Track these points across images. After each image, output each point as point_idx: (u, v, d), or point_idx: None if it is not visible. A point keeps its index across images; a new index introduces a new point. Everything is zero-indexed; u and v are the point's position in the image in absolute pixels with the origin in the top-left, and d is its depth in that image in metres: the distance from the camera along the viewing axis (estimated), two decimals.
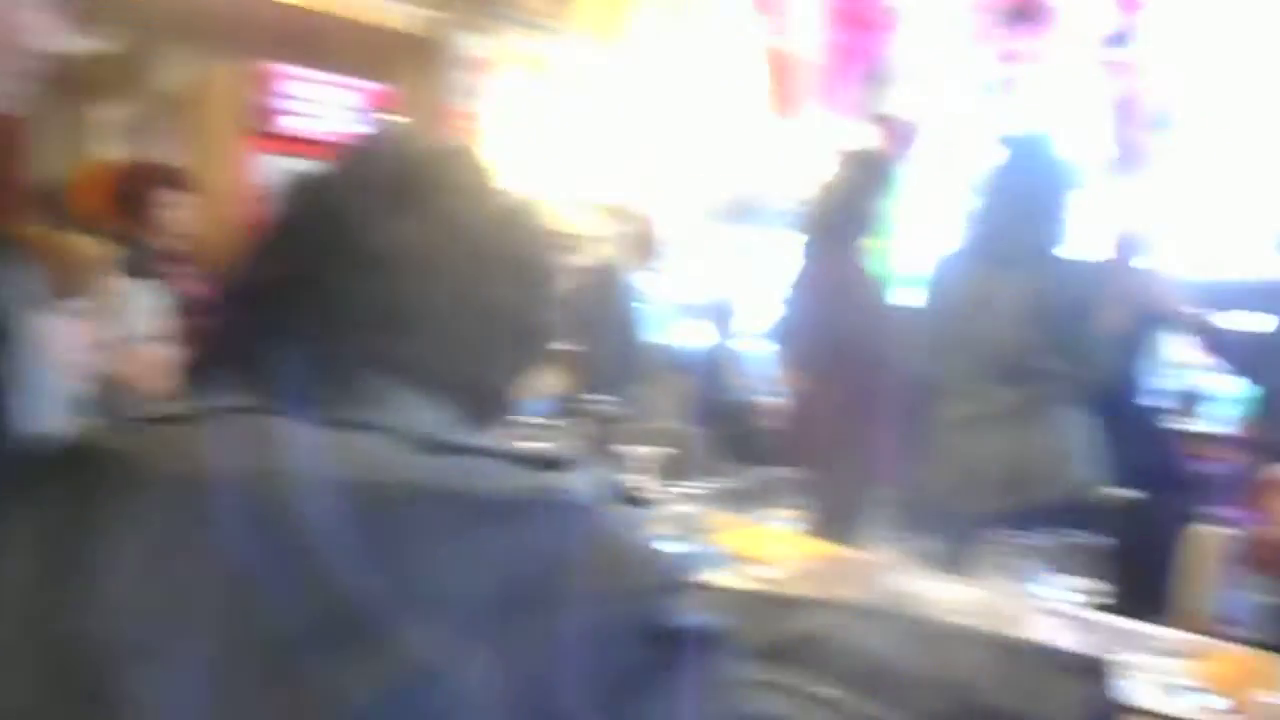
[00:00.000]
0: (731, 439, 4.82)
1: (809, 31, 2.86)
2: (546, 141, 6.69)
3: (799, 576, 1.46)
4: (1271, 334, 2.55)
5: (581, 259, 6.92)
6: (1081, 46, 2.77)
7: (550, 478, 0.65)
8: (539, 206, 0.85)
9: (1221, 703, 1.13)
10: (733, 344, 5.50)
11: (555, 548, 0.62)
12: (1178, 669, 1.21)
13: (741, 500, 1.80)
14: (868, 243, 2.80)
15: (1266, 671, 1.15)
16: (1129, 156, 2.98)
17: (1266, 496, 1.41)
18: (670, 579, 0.65)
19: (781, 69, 2.90)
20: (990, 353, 2.39)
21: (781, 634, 0.90)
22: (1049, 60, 2.81)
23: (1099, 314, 2.40)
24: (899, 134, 3.42)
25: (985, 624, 1.23)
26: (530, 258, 0.81)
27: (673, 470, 2.83)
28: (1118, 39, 2.68)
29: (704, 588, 0.85)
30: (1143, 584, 2.00)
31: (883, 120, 3.50)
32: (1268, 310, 2.56)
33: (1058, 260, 2.38)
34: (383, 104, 5.22)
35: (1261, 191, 4.80)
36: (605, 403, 3.64)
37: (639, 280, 4.63)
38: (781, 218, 7.42)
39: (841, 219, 2.73)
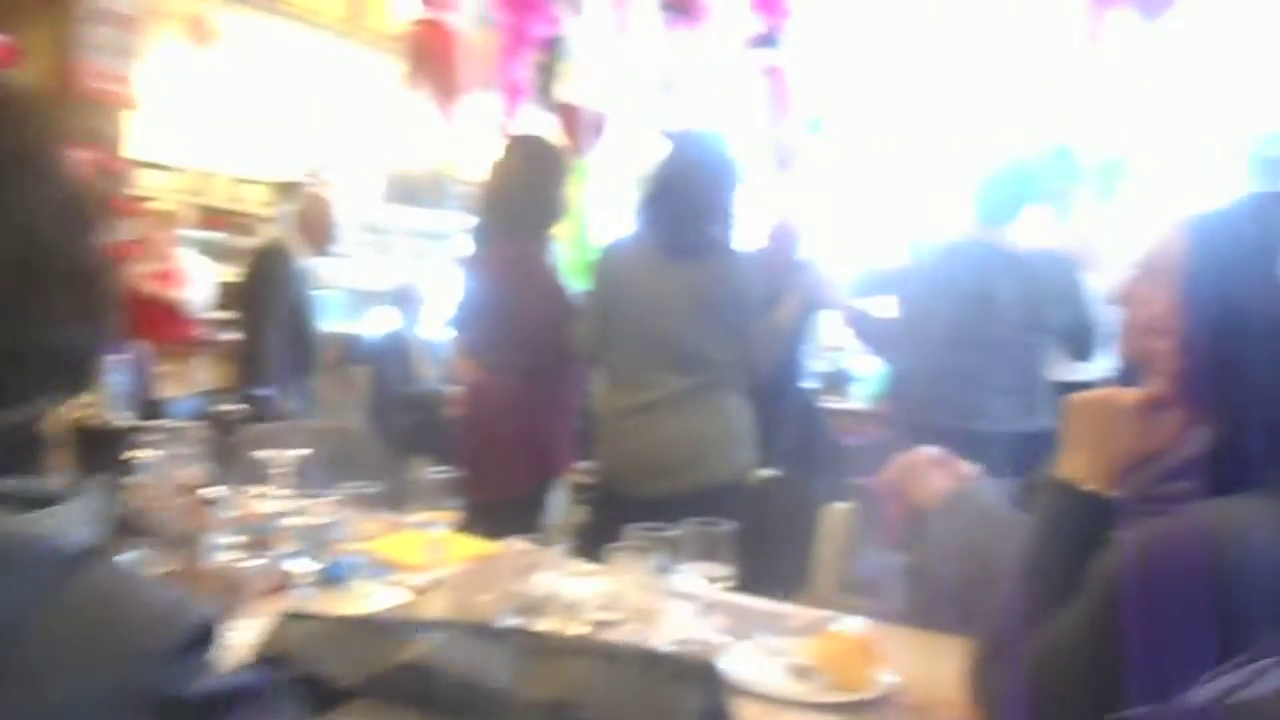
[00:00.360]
0: (415, 432, 4.68)
1: (472, 11, 2.76)
2: (209, 111, 6.13)
3: (443, 582, 1.38)
4: (896, 318, 2.80)
5: (248, 240, 6.43)
6: (734, 46, 2.89)
7: (27, 520, 0.52)
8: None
9: (831, 684, 1.18)
10: (419, 331, 5.32)
11: (18, 609, 0.49)
12: (800, 649, 1.26)
13: (403, 500, 1.68)
14: (544, 229, 2.75)
15: (882, 647, 1.22)
16: (783, 155, 3.15)
17: (893, 471, 1.52)
18: (184, 636, 0.53)
19: (445, 49, 2.78)
20: (660, 342, 2.44)
21: (379, 664, 0.81)
22: (706, 57, 2.90)
23: (765, 304, 2.52)
24: (580, 122, 3.41)
25: (622, 617, 1.22)
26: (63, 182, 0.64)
27: (338, 470, 2.66)
28: (765, 40, 2.82)
29: (295, 621, 0.74)
30: (789, 561, 2.12)
31: (563, 108, 3.48)
32: (898, 294, 2.82)
33: (725, 252, 2.47)
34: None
35: (900, 188, 5.39)
36: (266, 399, 3.37)
37: (312, 264, 4.31)
38: (459, 201, 7.35)
39: (515, 204, 2.65)
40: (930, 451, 1.54)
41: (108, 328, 0.66)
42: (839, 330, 3.24)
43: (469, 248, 2.84)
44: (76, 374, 0.65)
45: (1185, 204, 1.11)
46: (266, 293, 3.98)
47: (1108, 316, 2.45)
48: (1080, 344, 2.67)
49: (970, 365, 2.58)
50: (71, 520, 0.52)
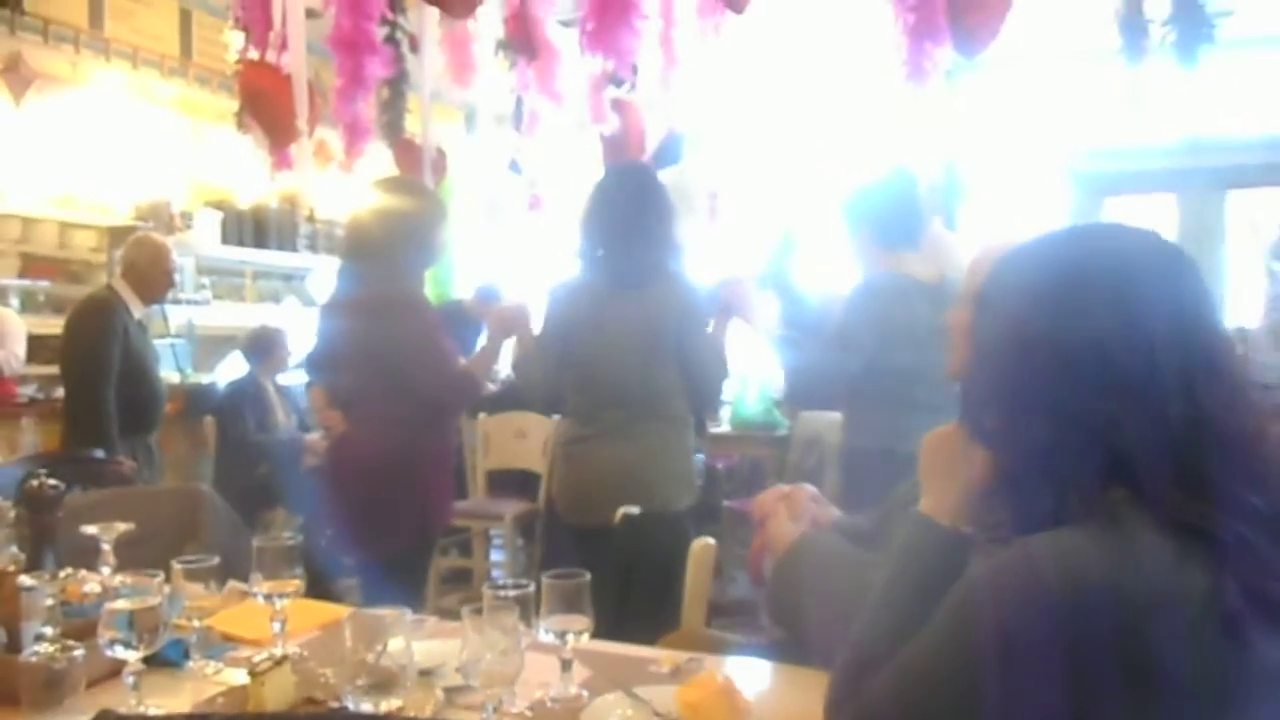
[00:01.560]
0: (267, 484, 4.47)
1: (300, 52, 2.67)
2: (34, 155, 5.76)
3: (288, 658, 1.30)
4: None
5: (78, 289, 6.05)
6: (581, 83, 2.91)
7: None
8: None
9: None
10: (271, 378, 5.09)
11: None
12: (664, 699, 1.24)
13: (246, 568, 1.57)
14: (420, 272, 2.65)
15: (745, 689, 1.22)
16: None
17: (760, 510, 1.52)
18: None
19: (277, 91, 2.69)
20: (605, 373, 2.45)
21: None
22: (555, 93, 2.90)
23: (710, 328, 2.54)
24: (420, 160, 3.35)
25: (479, 682, 1.18)
26: None
27: (180, 535, 2.50)
28: (613, 79, 2.85)
29: None
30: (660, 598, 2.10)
31: (401, 144, 3.40)
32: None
33: (671, 278, 2.48)
34: None
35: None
36: (97, 460, 3.15)
37: (148, 312, 4.07)
38: (307, 241, 7.12)
39: (391, 247, 2.53)
40: (802, 491, 1.55)
41: None
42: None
43: (333, 291, 2.70)
44: None
45: (1004, 230, 1.15)
46: (97, 345, 3.75)
47: None
48: None
49: (924, 396, 2.34)
50: None
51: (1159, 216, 6.99)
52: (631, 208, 2.48)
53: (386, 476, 2.51)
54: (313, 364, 2.89)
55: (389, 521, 2.50)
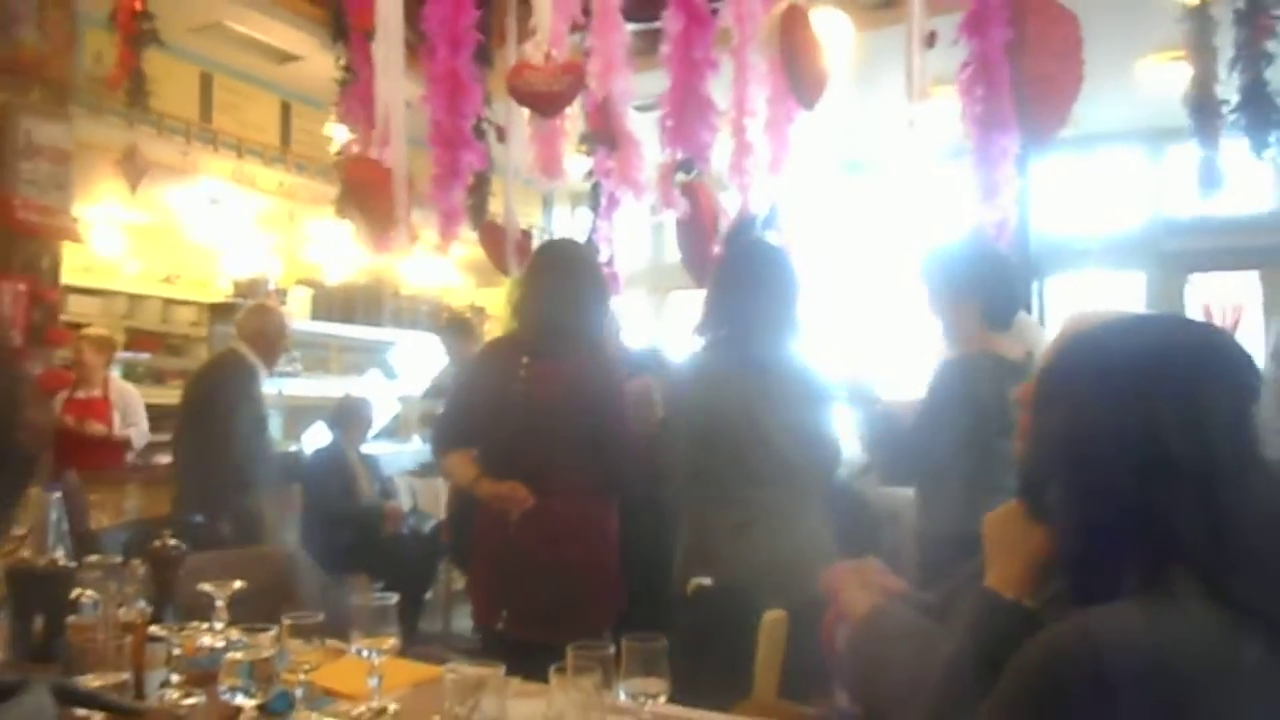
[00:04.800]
0: (352, 550, 4.62)
1: (400, 149, 2.90)
2: (140, 236, 6.16)
3: (385, 711, 1.40)
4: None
5: (178, 361, 6.38)
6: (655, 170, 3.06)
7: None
8: None
9: None
10: (354, 447, 5.28)
11: None
12: None
13: (343, 627, 1.68)
14: (598, 340, 2.69)
15: None
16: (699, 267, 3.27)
17: (831, 583, 1.56)
18: None
19: (378, 184, 2.90)
20: (750, 456, 2.38)
21: None
22: (635, 183, 3.06)
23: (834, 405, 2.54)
24: (505, 242, 3.53)
25: None
26: None
27: (278, 597, 2.62)
28: (685, 165, 2.99)
29: None
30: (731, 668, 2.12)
31: (487, 228, 3.60)
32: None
33: (794, 357, 2.47)
34: None
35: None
36: (199, 525, 3.32)
37: (254, 382, 4.28)
38: (396, 315, 7.39)
39: (566, 316, 2.59)
40: (869, 565, 1.59)
41: (18, 476, 0.69)
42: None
43: (506, 363, 2.67)
44: None
45: (1083, 310, 1.18)
46: (222, 409, 3.90)
47: None
48: None
49: (1009, 481, 2.34)
50: (33, 710, 0.55)
51: (1241, 291, 7.00)
52: (760, 286, 2.46)
53: (586, 552, 2.53)
54: (455, 431, 2.75)
55: (588, 600, 2.49)
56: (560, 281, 2.63)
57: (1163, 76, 5.76)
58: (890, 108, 2.95)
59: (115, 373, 5.27)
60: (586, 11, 2.96)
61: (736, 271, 2.55)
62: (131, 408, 5.02)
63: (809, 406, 2.46)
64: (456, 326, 5.14)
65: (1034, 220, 5.71)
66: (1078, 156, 7.31)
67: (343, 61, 3.54)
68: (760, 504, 2.37)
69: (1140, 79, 5.91)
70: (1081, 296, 7.49)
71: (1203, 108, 3.27)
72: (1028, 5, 2.67)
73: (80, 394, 4.88)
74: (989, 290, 2.52)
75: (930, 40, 2.86)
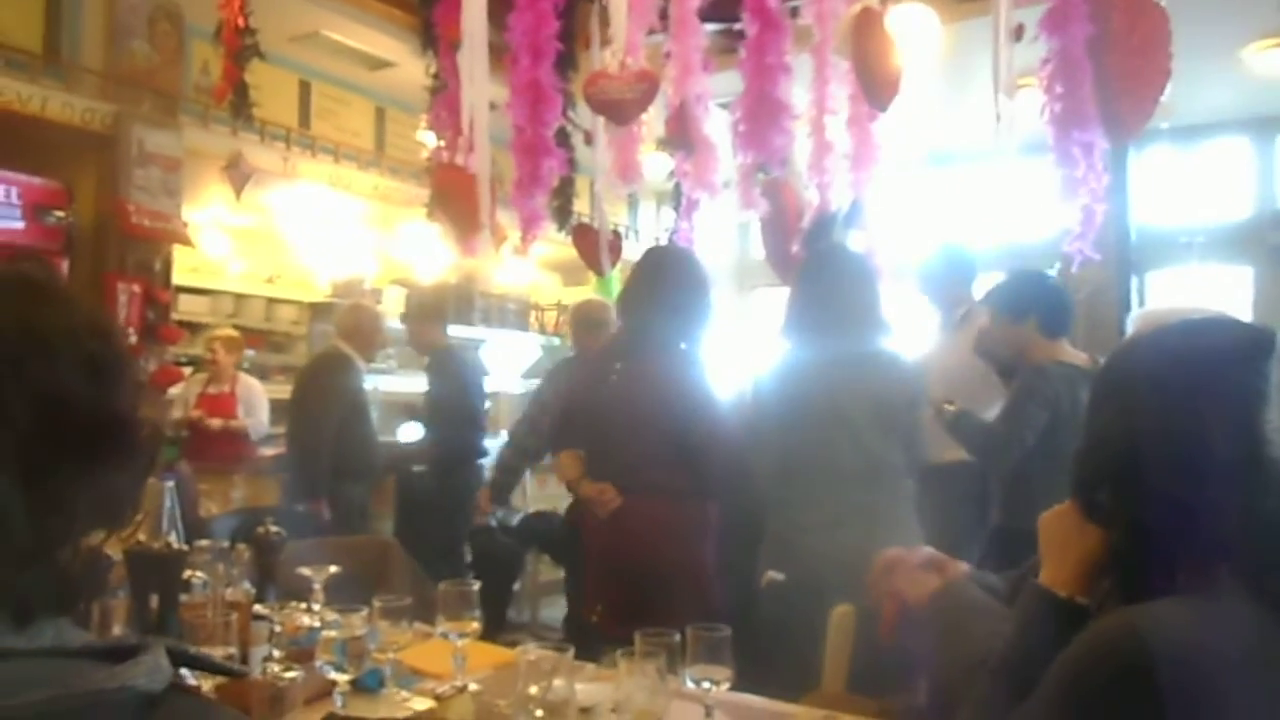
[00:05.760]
0: (449, 540, 4.76)
1: (485, 157, 3.02)
2: (246, 238, 6.46)
3: (466, 690, 1.49)
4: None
5: (281, 357, 6.66)
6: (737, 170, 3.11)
7: (118, 672, 0.61)
8: None
9: None
10: (464, 443, 5.43)
11: None
12: None
13: (430, 611, 1.79)
14: (695, 341, 2.73)
15: None
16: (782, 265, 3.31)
17: (879, 572, 1.59)
18: None
19: (466, 191, 3.03)
20: (843, 454, 2.40)
21: None
22: (711, 185, 3.11)
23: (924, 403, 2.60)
24: (597, 243, 3.63)
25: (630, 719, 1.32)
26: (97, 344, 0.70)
27: (372, 582, 2.76)
28: (762, 166, 3.04)
29: None
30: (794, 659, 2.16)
31: (579, 229, 3.70)
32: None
33: (883, 352, 2.51)
34: (49, 200, 4.86)
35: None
36: (302, 514, 3.50)
37: (351, 375, 4.48)
38: (485, 314, 7.55)
39: (662, 316, 2.65)
40: (921, 552, 1.62)
41: (142, 468, 0.73)
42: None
43: (603, 365, 2.78)
44: (117, 513, 0.72)
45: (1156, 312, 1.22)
46: (322, 402, 4.13)
47: None
48: None
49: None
50: (152, 666, 0.63)
51: None
52: (846, 285, 2.50)
53: (678, 552, 2.57)
54: (569, 430, 2.85)
55: (679, 599, 2.49)
56: (653, 287, 2.71)
57: (1269, 64, 5.56)
58: (978, 101, 2.94)
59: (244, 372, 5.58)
60: (664, 15, 3.02)
61: (816, 271, 2.59)
62: (253, 402, 5.30)
63: (897, 402, 2.47)
64: (586, 319, 5.19)
65: (1135, 213, 5.60)
66: (1182, 147, 7.05)
67: (432, 69, 3.66)
68: (851, 503, 2.37)
69: (1246, 67, 5.69)
70: (1185, 291, 7.26)
71: None
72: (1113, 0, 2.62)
73: (211, 389, 5.23)
74: (1049, 304, 2.83)
75: (1018, 33, 2.83)
